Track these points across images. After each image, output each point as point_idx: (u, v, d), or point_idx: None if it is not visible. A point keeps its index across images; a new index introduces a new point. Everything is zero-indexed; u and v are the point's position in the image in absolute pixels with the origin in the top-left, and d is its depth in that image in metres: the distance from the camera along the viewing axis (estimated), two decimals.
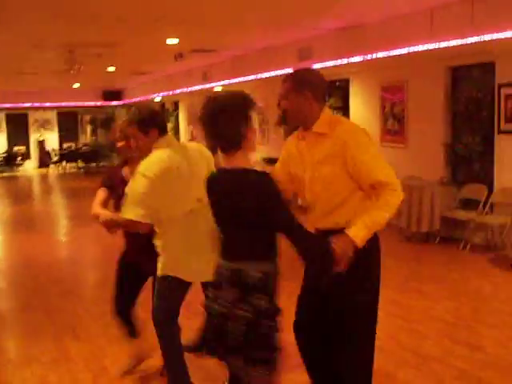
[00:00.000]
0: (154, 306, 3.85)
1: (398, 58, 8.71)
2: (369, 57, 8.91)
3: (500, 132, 8.27)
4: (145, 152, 3.72)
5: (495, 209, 8.40)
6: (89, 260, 9.05)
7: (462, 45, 7.48)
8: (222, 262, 2.85)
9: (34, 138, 25.93)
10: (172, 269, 3.77)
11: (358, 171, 3.06)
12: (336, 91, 12.01)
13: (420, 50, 7.87)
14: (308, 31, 9.79)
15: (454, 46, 7.60)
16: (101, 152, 23.42)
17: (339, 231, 2.99)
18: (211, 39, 10.57)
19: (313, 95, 3.15)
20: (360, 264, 2.99)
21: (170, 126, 21.13)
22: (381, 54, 8.64)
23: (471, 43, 7.38)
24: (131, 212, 3.56)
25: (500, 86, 8.21)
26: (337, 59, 9.66)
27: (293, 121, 3.25)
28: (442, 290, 6.59)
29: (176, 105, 21.09)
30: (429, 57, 8.68)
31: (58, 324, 5.68)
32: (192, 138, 19.47)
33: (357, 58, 9.20)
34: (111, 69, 14.04)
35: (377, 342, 3.34)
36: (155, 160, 3.64)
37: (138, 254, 4.21)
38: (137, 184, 3.58)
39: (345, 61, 9.55)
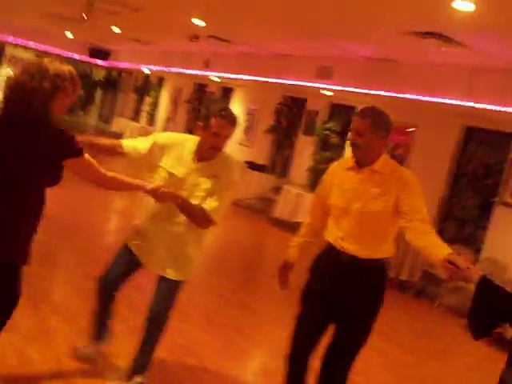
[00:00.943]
0: (164, 307, 3.73)
1: (415, 101, 8.66)
2: (392, 94, 8.82)
3: (502, 203, 8.28)
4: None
5: None
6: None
7: (492, 110, 7.48)
8: None
9: (3, 73, 24.88)
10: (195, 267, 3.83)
11: (409, 209, 3.21)
12: (338, 115, 11.83)
13: (453, 103, 7.81)
14: (333, 50, 9.64)
15: (482, 109, 7.60)
16: None
17: (376, 261, 3.30)
18: (232, 30, 10.34)
19: (385, 136, 3.33)
20: (382, 288, 3.37)
21: (150, 100, 20.59)
22: (407, 95, 8.57)
23: (501, 111, 7.38)
24: (220, 217, 3.59)
25: None
26: (356, 87, 9.54)
27: (360, 156, 3.33)
28: (427, 345, 6.54)
29: (160, 81, 20.54)
30: (447, 110, 8.64)
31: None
32: (169, 119, 19.22)
33: (378, 92, 9.10)
34: (116, 29, 13.49)
35: None
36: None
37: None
38: (236, 192, 3.73)
39: (363, 91, 9.44)
